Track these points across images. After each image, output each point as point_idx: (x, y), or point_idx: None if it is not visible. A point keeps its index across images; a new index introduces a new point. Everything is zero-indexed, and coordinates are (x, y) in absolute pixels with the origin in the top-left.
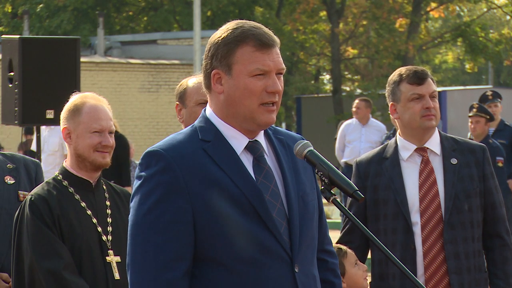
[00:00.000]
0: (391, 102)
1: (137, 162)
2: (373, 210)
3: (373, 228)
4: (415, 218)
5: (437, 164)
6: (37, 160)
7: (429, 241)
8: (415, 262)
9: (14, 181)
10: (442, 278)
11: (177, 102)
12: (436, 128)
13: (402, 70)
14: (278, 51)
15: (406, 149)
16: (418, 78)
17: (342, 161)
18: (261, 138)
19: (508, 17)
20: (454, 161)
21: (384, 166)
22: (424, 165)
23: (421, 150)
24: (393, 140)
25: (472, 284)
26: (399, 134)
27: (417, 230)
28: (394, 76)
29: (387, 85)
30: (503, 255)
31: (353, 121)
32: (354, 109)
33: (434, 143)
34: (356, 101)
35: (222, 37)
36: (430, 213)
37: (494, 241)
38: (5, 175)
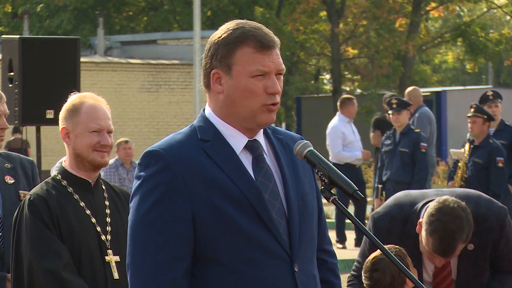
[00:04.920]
0: None
1: (137, 162)
2: None
3: None
4: None
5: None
6: (31, 159)
7: None
8: None
9: (14, 181)
10: None
11: None
12: None
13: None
14: (278, 52)
15: None
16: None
17: (344, 162)
18: (260, 137)
19: (508, 17)
20: (470, 246)
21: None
22: None
23: None
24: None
25: None
26: None
27: None
28: None
29: None
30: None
31: (344, 119)
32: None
33: None
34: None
35: (222, 37)
36: None
37: (500, 274)
38: (4, 175)
